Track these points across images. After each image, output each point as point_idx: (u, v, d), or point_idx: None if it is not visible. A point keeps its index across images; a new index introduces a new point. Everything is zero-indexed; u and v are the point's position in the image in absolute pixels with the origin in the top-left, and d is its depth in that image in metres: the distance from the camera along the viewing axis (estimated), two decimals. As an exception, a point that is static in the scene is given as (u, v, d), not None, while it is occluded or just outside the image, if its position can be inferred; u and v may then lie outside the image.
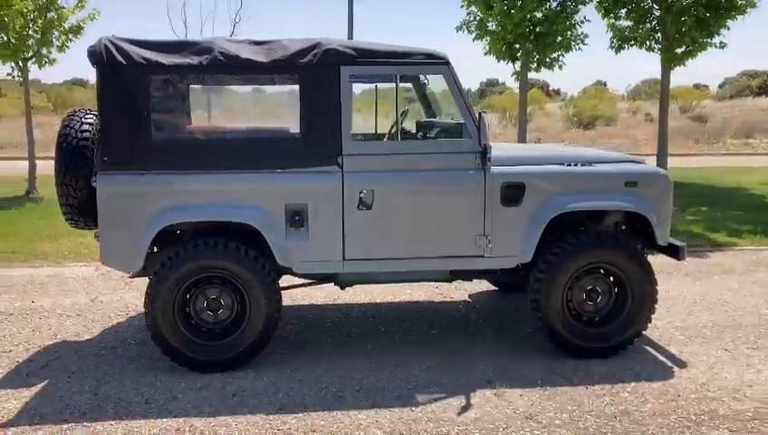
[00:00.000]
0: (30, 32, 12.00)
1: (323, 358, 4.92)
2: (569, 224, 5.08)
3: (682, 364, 4.81)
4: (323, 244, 4.68)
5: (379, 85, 5.73)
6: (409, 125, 5.56)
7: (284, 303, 6.05)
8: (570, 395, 4.30)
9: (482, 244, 4.78)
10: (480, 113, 4.58)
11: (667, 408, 4.12)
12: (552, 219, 4.88)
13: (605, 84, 61.13)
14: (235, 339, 4.67)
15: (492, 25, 13.33)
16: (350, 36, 13.34)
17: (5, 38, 11.98)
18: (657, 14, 13.42)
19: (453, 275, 5.08)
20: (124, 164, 4.51)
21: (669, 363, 4.82)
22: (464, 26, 13.59)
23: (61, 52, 12.82)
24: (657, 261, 5.88)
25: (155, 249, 4.87)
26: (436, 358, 4.90)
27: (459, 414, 4.05)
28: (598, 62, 78.85)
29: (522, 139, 13.78)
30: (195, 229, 4.84)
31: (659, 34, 13.50)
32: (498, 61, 13.54)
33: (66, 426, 3.91)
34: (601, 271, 4.90)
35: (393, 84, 4.96)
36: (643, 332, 4.98)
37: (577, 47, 13.38)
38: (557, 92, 63.77)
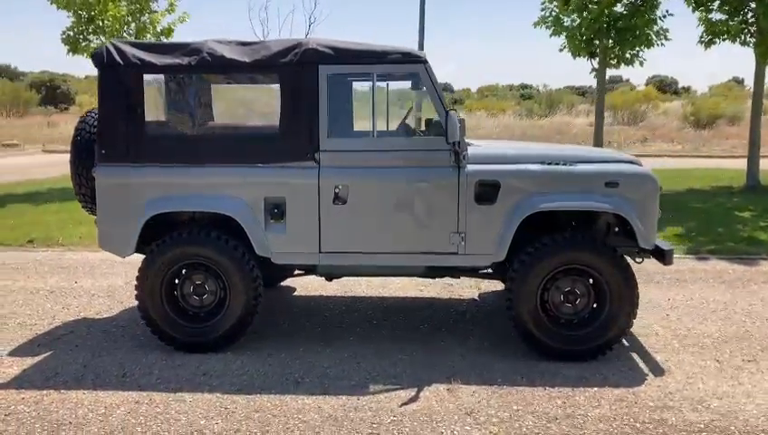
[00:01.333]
0: (125, 35, 12.93)
1: (303, 346, 5.12)
2: (561, 224, 5.04)
3: (660, 372, 4.64)
4: (300, 236, 4.88)
5: (377, 84, 5.84)
6: (395, 123, 5.64)
7: (298, 293, 6.37)
8: (522, 395, 4.28)
9: (455, 241, 4.82)
10: (447, 112, 4.62)
11: (617, 414, 4.03)
12: (542, 219, 4.88)
13: (742, 82, 57.58)
14: (215, 323, 4.97)
15: (568, 21, 13.01)
16: (421, 40, 13.35)
17: (102, 41, 12.98)
18: (753, 5, 12.61)
19: (431, 272, 5.13)
20: (119, 157, 4.91)
21: (646, 371, 4.67)
22: (541, 23, 13.35)
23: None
24: (698, 267, 5.63)
25: None
26: (411, 353, 4.99)
27: (401, 405, 4.14)
28: (739, 59, 74.31)
29: (598, 139, 13.36)
30: (192, 220, 5.18)
31: (753, 28, 12.69)
32: (574, 57, 13.20)
33: (44, 392, 4.34)
34: (580, 273, 4.80)
35: (396, 83, 5.12)
36: (623, 337, 4.85)
37: (659, 43, 12.82)
38: (686, 90, 60.72)
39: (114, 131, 4.90)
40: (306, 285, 6.65)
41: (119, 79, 4.87)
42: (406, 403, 4.18)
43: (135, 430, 3.86)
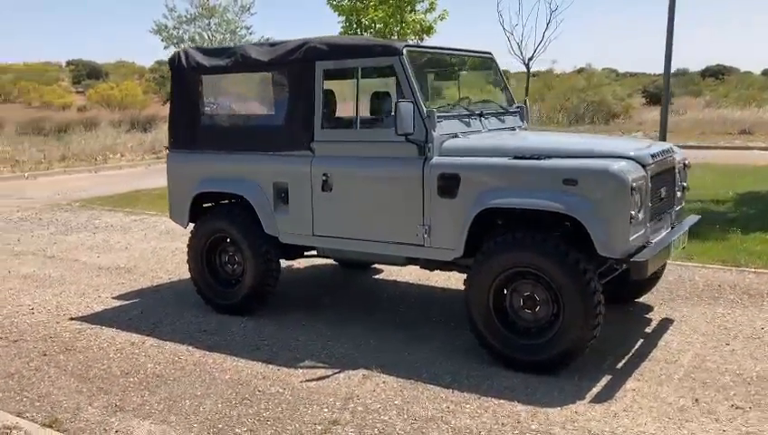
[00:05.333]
0: (386, 32, 14.19)
1: (306, 320, 5.58)
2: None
3: (602, 400, 4.05)
4: (299, 219, 5.34)
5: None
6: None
7: (377, 276, 6.77)
8: (417, 392, 4.20)
9: (420, 233, 4.80)
10: (396, 103, 4.61)
11: (479, 427, 3.74)
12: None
13: None
14: (236, 290, 5.70)
15: None
16: (669, 38, 11.67)
17: (369, 40, 14.46)
18: None
19: (412, 262, 5.14)
20: (182, 144, 5.95)
21: (589, 396, 4.10)
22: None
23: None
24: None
25: None
26: (385, 339, 5.10)
27: (302, 381, 4.41)
28: None
29: None
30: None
31: None
32: None
33: (92, 326, 5.58)
34: (538, 278, 4.39)
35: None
36: (577, 354, 4.32)
37: None
38: None
39: (178, 123, 5.94)
40: (396, 272, 6.94)
41: (183, 79, 5.89)
42: (308, 380, 4.43)
43: (103, 360, 4.85)
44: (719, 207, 9.70)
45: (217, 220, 5.72)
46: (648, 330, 5.20)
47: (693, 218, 5.41)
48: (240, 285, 5.68)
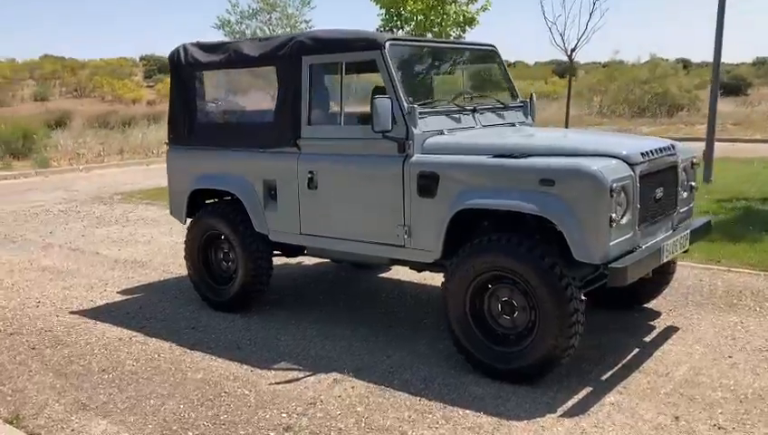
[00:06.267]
0: (427, 25, 13.92)
1: (295, 318, 5.49)
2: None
3: (573, 414, 3.81)
4: (288, 217, 5.25)
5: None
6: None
7: (382, 274, 6.65)
8: (386, 399, 4.05)
9: (401, 234, 4.64)
10: (373, 99, 4.44)
11: (434, 440, 3.58)
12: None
13: None
14: (229, 287, 5.66)
15: None
16: (719, 30, 10.94)
17: (406, 32, 14.24)
18: None
19: (396, 263, 4.98)
20: (180, 141, 5.93)
21: (563, 408, 3.87)
22: None
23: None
24: None
25: None
26: (373, 341, 4.96)
27: (270, 384, 4.32)
28: None
29: None
30: None
31: None
32: None
33: (88, 320, 5.64)
34: (515, 283, 4.17)
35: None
36: (551, 365, 4.08)
37: None
38: None
39: (177, 119, 5.93)
40: (400, 271, 6.75)
41: (181, 75, 5.88)
42: (276, 383, 4.33)
43: (86, 356, 4.87)
44: (765, 207, 9.12)
45: (210, 217, 5.69)
46: (648, 339, 4.88)
47: (700, 221, 5.06)
48: (232, 283, 5.63)
